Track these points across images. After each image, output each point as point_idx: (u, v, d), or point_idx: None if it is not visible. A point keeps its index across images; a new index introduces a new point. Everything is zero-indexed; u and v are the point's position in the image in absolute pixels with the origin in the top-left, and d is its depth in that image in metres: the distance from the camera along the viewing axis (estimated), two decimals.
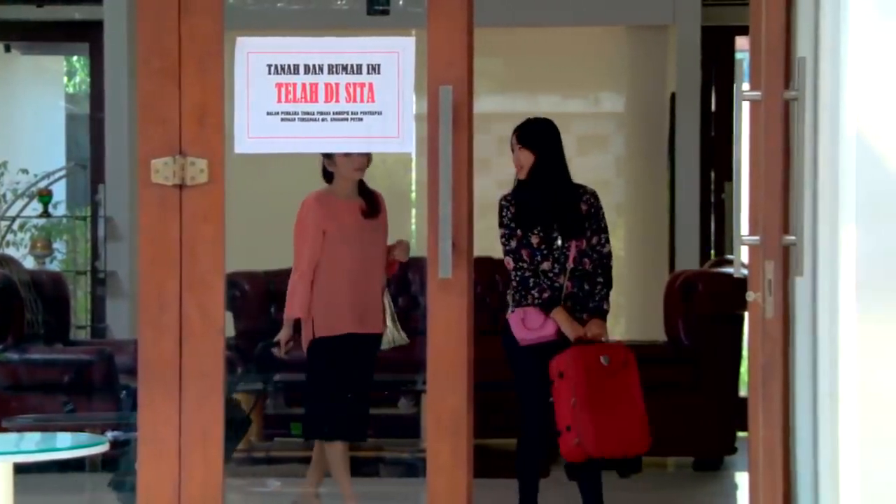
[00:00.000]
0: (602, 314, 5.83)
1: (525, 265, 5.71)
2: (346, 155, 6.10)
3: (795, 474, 4.17)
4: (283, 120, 4.20)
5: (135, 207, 4.24)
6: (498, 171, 10.00)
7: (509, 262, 5.77)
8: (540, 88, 10.27)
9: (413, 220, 9.83)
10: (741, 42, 9.69)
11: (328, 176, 6.38)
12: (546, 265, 5.73)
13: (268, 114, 4.19)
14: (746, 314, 4.25)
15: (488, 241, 9.09)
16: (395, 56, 4.17)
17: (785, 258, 4.03)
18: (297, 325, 6.34)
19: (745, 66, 4.11)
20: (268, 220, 9.69)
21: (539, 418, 5.77)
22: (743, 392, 7.66)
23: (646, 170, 10.23)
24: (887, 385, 3.67)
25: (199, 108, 4.20)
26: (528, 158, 5.76)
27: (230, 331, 8.69)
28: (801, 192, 4.03)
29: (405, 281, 8.93)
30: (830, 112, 3.86)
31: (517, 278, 5.74)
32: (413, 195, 9.90)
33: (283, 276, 9.11)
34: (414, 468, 6.70)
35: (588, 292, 5.78)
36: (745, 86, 4.04)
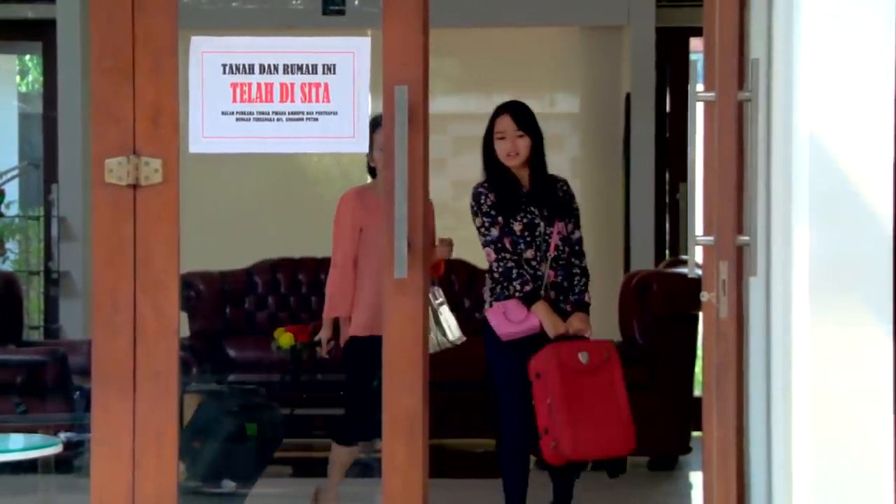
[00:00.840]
0: (584, 307, 5.63)
1: (508, 255, 5.51)
2: (382, 149, 5.93)
3: (749, 474, 4.19)
4: (238, 120, 4.18)
5: (88, 207, 4.21)
6: (454, 171, 10.02)
7: (490, 254, 5.55)
8: (495, 89, 10.28)
9: None
10: (695, 43, 9.74)
11: (372, 171, 6.19)
12: (529, 253, 5.54)
13: (223, 113, 4.18)
14: (701, 314, 4.27)
15: None
16: (350, 56, 4.17)
17: (739, 258, 4.05)
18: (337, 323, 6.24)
19: (700, 67, 4.13)
20: (223, 220, 9.68)
21: (522, 418, 5.49)
22: (697, 392, 7.70)
23: (601, 170, 10.27)
24: (839, 385, 3.70)
25: (153, 108, 4.18)
26: (526, 145, 5.61)
27: (185, 331, 8.65)
28: (755, 192, 4.05)
29: None
30: (784, 113, 3.88)
31: (500, 269, 5.53)
32: None
33: (237, 276, 9.13)
34: (369, 468, 6.69)
35: (571, 281, 5.62)
36: (700, 87, 4.06)
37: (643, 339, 7.75)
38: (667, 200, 9.96)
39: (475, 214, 5.56)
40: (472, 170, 10.01)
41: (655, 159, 9.59)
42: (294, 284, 9.10)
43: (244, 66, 4.17)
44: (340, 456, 6.17)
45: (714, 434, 4.05)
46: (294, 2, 9.22)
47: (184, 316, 8.76)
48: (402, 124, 4.08)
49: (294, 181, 9.89)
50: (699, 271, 4.11)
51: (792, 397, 3.78)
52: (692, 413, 7.42)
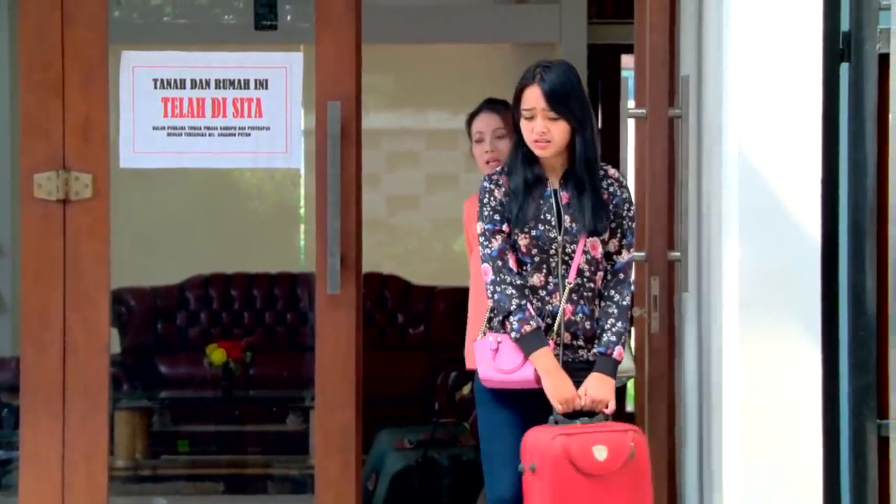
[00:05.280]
0: (610, 367, 3.84)
1: (508, 277, 3.83)
2: (478, 141, 4.61)
3: (682, 488, 4.22)
4: (169, 135, 4.17)
5: (17, 223, 4.19)
6: (387, 186, 10.02)
7: (487, 272, 3.86)
8: (428, 104, 10.30)
9: (302, 236, 9.79)
10: (626, 60, 9.81)
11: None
12: (537, 279, 3.86)
13: (154, 128, 4.16)
14: (633, 329, 4.29)
15: (377, 257, 9.11)
16: (282, 71, 4.17)
17: (671, 274, 4.08)
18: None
19: (631, 84, 4.15)
20: (154, 235, 9.61)
21: (513, 484, 3.84)
22: (630, 407, 7.72)
23: None
24: (769, 400, 3.73)
25: (83, 122, 4.15)
26: (562, 131, 3.86)
27: (115, 347, 8.58)
28: (686, 208, 4.09)
29: (294, 297, 8.90)
30: (714, 129, 3.92)
31: (494, 297, 3.84)
32: (302, 211, 9.87)
33: (169, 291, 9.08)
34: (302, 485, 6.67)
35: (596, 321, 3.88)
36: (631, 103, 4.08)
37: None
38: None
39: (478, 218, 3.94)
40: (407, 185, 10.04)
41: None
42: (226, 300, 9.06)
43: (176, 80, 4.15)
44: None
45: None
46: (226, 17, 9.19)
47: (114, 332, 8.68)
48: (334, 139, 4.07)
49: (227, 196, 9.83)
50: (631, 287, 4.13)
51: (722, 412, 3.81)
52: None
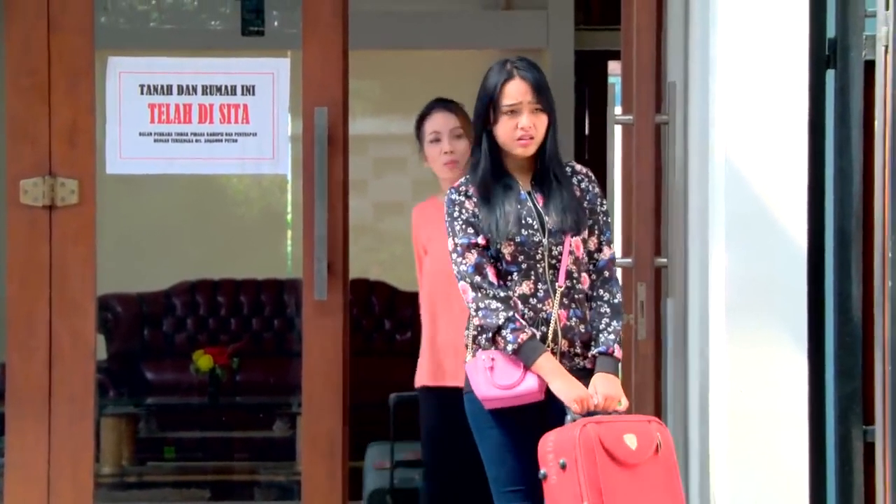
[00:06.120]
0: (613, 366, 3.67)
1: (490, 291, 3.64)
2: (434, 141, 4.42)
3: None
4: (156, 141, 4.16)
5: (3, 228, 4.18)
6: (374, 192, 10.02)
7: (465, 290, 3.66)
8: (415, 110, 10.31)
9: (289, 242, 9.79)
10: (614, 66, 9.82)
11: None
12: (526, 287, 3.67)
13: (140, 134, 4.16)
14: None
15: (364, 263, 9.11)
16: (269, 77, 4.17)
17: (657, 280, 4.09)
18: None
19: (618, 90, 4.15)
20: (141, 241, 9.59)
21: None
22: None
23: None
24: (756, 406, 3.74)
25: (69, 128, 4.15)
26: (544, 125, 3.72)
27: (102, 354, 8.56)
28: (674, 214, 4.09)
29: (280, 303, 8.90)
30: (700, 136, 3.93)
31: (479, 314, 3.63)
32: (289, 217, 9.87)
33: (155, 297, 9.07)
34: (289, 491, 6.66)
35: (590, 323, 3.72)
36: (618, 110, 4.08)
37: None
38: None
39: (448, 234, 3.73)
40: (393, 191, 10.04)
41: None
42: (213, 306, 9.05)
43: (162, 86, 4.15)
44: None
45: None
46: (213, 22, 9.18)
47: (101, 338, 8.67)
48: (321, 145, 4.07)
49: (213, 202, 9.82)
50: None
51: (709, 418, 3.81)
52: None
